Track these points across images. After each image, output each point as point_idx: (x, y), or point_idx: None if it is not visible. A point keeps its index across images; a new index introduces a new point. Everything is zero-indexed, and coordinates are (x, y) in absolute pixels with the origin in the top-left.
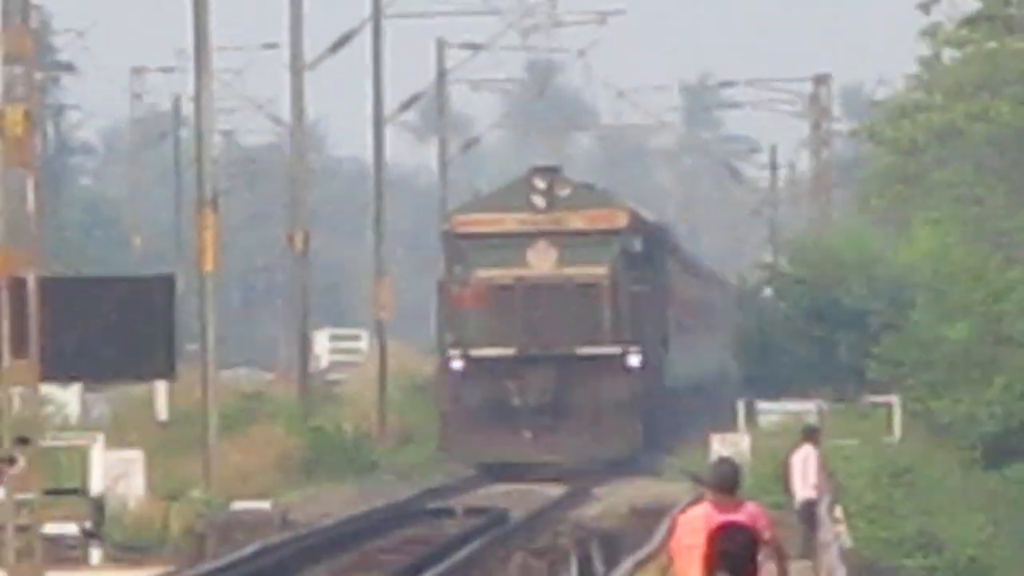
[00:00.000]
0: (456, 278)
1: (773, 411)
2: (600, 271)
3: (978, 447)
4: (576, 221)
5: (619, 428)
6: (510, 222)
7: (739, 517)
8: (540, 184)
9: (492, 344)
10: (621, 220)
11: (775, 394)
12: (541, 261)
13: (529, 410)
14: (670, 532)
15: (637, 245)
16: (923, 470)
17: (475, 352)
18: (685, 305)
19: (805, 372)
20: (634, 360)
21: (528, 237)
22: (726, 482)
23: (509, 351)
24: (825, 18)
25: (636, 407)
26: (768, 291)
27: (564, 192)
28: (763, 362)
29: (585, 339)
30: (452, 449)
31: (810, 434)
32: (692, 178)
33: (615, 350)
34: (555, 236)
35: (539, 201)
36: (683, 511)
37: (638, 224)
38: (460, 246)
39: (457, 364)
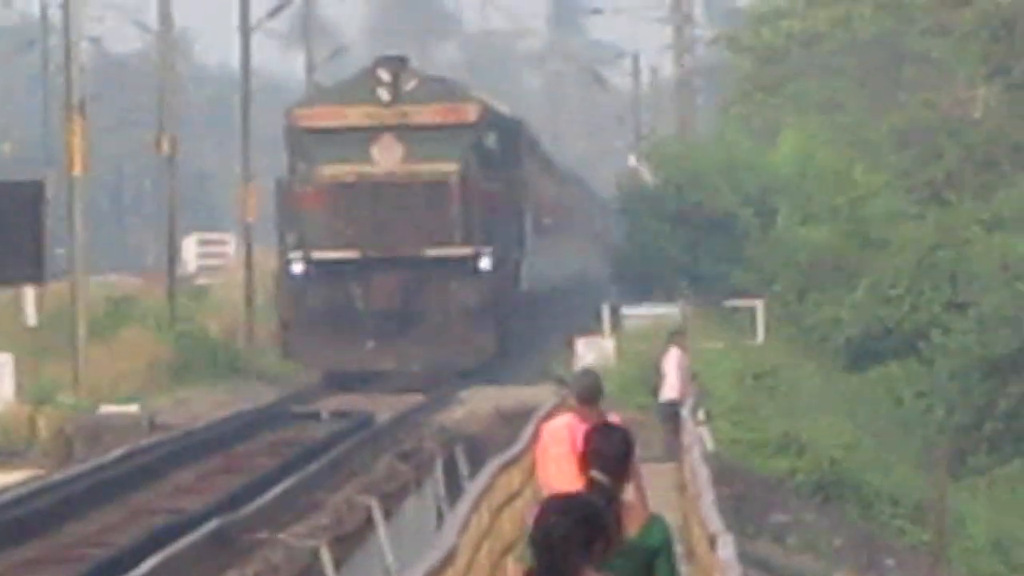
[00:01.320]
0: (297, 176)
1: (638, 315)
2: (449, 168)
3: (841, 350)
4: (423, 115)
5: (470, 335)
6: (353, 116)
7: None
8: (385, 76)
9: (334, 246)
10: (471, 114)
11: (641, 299)
12: (386, 157)
13: (374, 316)
14: (534, 438)
15: (490, 141)
16: (786, 373)
17: (317, 255)
18: (544, 205)
19: (671, 276)
20: (486, 262)
21: (372, 132)
22: (588, 392)
23: (352, 254)
24: None
25: (489, 313)
26: (637, 197)
27: (411, 84)
28: (629, 267)
29: (433, 240)
30: (294, 357)
31: (676, 337)
32: (558, 84)
33: (466, 251)
34: (401, 131)
35: (384, 94)
36: (548, 417)
37: (491, 118)
38: (301, 141)
39: (298, 268)
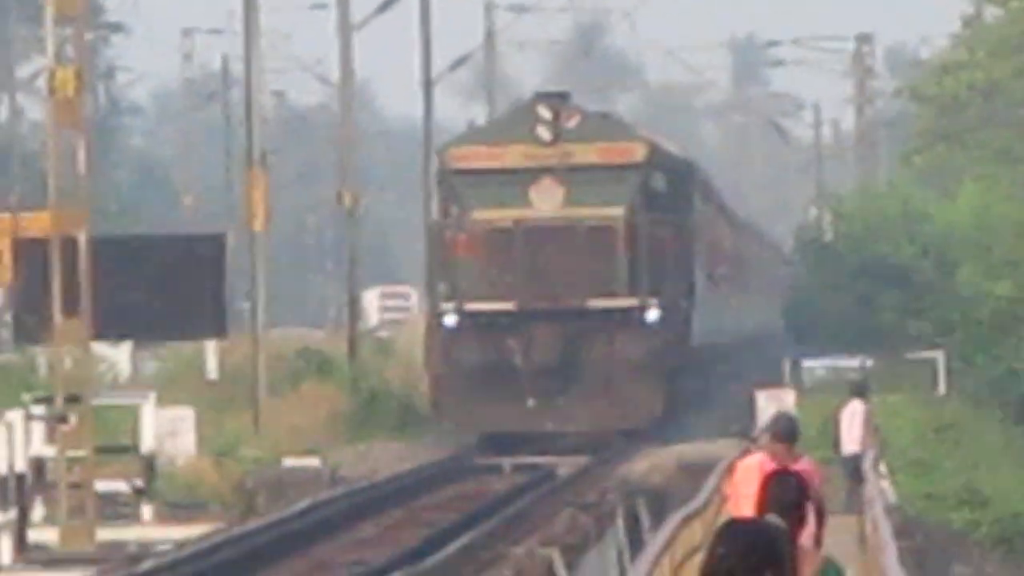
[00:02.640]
0: (450, 221)
1: (818, 367)
2: (614, 212)
3: (1020, 403)
4: (587, 154)
5: (636, 393)
6: (511, 156)
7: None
8: (545, 113)
9: (490, 297)
10: (638, 153)
11: (819, 351)
12: (546, 201)
13: (533, 373)
14: (728, 474)
15: (658, 183)
16: (968, 425)
17: (471, 306)
18: (717, 253)
19: (849, 328)
20: (653, 315)
21: (531, 173)
22: (784, 434)
23: (509, 305)
24: None
25: (656, 369)
26: (815, 249)
27: (572, 122)
28: (808, 318)
29: (597, 291)
30: (446, 417)
31: (858, 389)
32: (739, 136)
33: (632, 303)
34: (562, 172)
35: (544, 132)
36: (741, 458)
37: (659, 158)
38: (454, 184)
39: (450, 320)
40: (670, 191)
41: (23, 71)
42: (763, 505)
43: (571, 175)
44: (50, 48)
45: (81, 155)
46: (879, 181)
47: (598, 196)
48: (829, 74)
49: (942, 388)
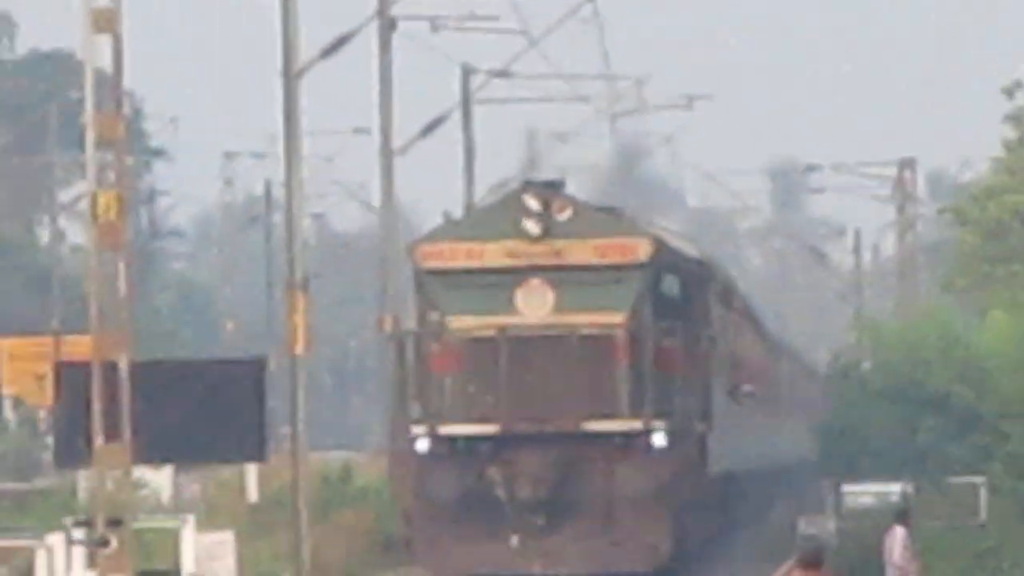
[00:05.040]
0: (421, 331)
1: (859, 492)
2: (614, 319)
3: None
4: (582, 252)
5: (640, 531)
6: (493, 253)
7: None
8: (533, 204)
9: (468, 419)
10: (643, 251)
11: (856, 477)
12: (534, 306)
13: (518, 507)
14: None
15: (667, 286)
16: (1010, 552)
17: (446, 429)
18: (740, 369)
19: (888, 454)
20: (660, 439)
21: (517, 274)
22: (810, 556)
23: (491, 428)
24: (910, 103)
25: (664, 502)
26: (852, 374)
27: (565, 214)
28: (844, 444)
29: (593, 411)
30: (419, 558)
31: (900, 515)
32: (780, 261)
33: (634, 425)
34: (553, 273)
35: (532, 226)
36: None
37: (668, 256)
38: (428, 286)
39: (423, 445)
40: (682, 295)
41: (65, 195)
42: None
43: (563, 276)
44: (91, 172)
45: (122, 279)
46: (919, 306)
47: (595, 300)
48: (870, 198)
49: (983, 514)
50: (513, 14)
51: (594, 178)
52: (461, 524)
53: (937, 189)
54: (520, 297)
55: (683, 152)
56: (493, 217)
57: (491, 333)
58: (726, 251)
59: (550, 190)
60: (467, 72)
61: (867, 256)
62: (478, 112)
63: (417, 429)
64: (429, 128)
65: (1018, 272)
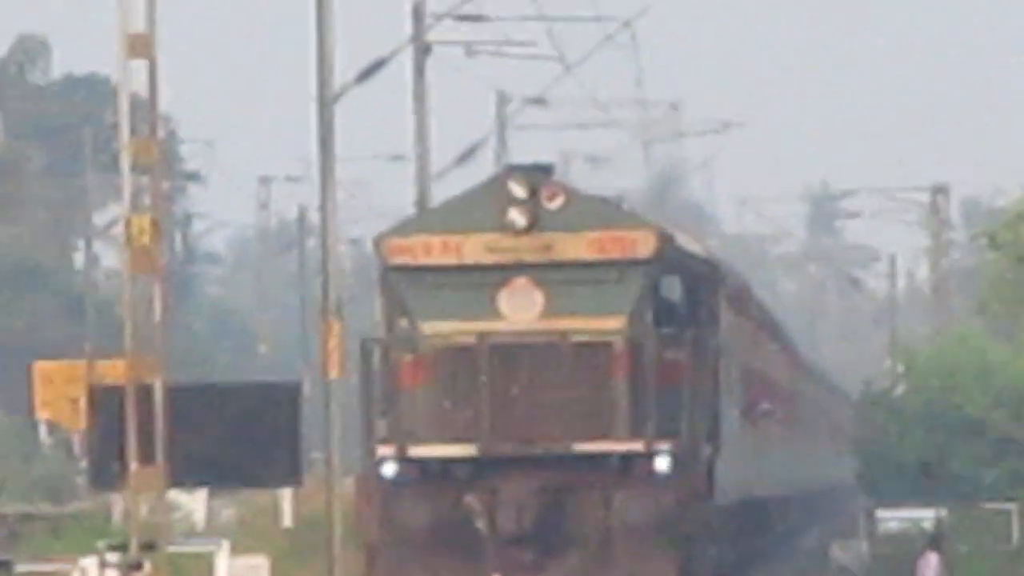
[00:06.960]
0: (391, 338)
1: (892, 518)
2: (612, 324)
3: None
4: (575, 247)
5: (640, 567)
6: (473, 248)
7: None
8: (519, 191)
9: (443, 439)
10: (645, 246)
11: (889, 502)
12: (520, 309)
13: (501, 541)
14: None
15: (672, 288)
16: None
17: (417, 451)
18: (755, 384)
19: (922, 479)
20: (663, 462)
21: (500, 272)
22: None
23: (469, 450)
24: (945, 129)
25: (667, 534)
26: (884, 399)
27: (556, 203)
28: (876, 469)
29: (587, 430)
30: None
31: (934, 541)
32: (815, 286)
33: (634, 447)
34: (542, 271)
35: (518, 216)
36: None
37: (674, 254)
38: (397, 285)
39: (389, 469)
40: (689, 300)
41: (99, 217)
42: None
43: (554, 274)
44: (126, 197)
45: (157, 303)
46: (954, 331)
47: (590, 302)
48: (904, 224)
49: (1016, 539)
50: (548, 40)
51: (628, 204)
52: (434, 560)
53: (973, 216)
54: (504, 299)
55: (717, 178)
56: (473, 206)
57: (470, 341)
58: (760, 277)
59: (538, 174)
60: (502, 99)
61: (901, 282)
62: (513, 138)
63: (383, 451)
64: (465, 155)
65: None
